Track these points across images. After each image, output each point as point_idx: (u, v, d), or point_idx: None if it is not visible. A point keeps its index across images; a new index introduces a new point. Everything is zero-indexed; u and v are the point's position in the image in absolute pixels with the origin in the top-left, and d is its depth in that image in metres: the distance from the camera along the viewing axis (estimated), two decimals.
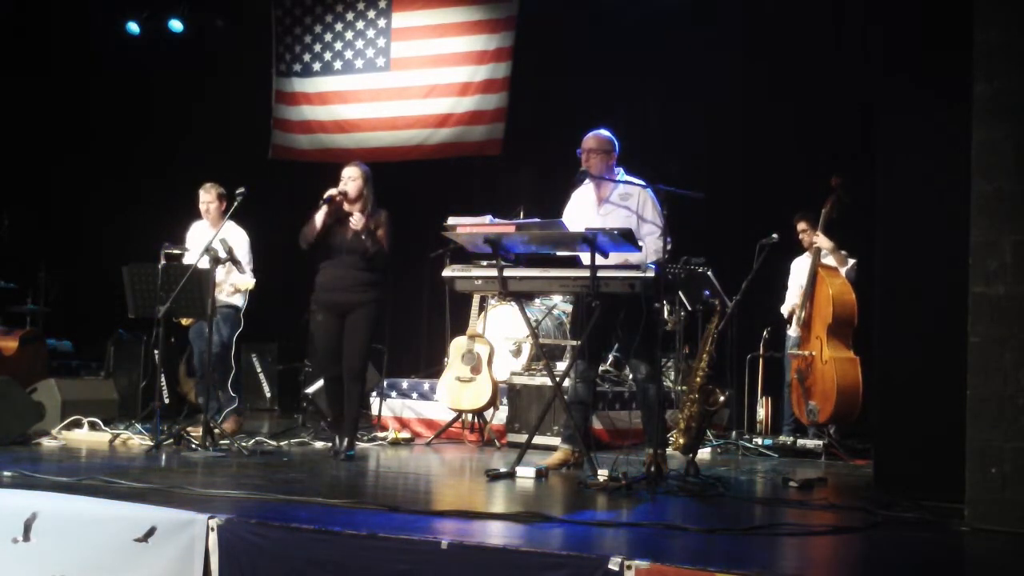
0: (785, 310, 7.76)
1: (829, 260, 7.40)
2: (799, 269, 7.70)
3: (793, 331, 7.67)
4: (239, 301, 7.16)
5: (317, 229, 6.28)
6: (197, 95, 10.56)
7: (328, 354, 6.39)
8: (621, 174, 5.92)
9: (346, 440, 6.33)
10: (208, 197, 7.31)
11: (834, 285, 7.16)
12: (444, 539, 3.58)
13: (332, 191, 6.30)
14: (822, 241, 7.27)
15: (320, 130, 10.45)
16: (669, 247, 5.69)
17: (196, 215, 7.44)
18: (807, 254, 7.64)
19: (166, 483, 4.75)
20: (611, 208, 5.84)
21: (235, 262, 6.76)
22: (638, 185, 5.84)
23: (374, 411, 7.84)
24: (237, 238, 7.05)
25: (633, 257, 5.54)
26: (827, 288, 7.15)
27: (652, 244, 5.68)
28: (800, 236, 7.60)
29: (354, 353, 6.29)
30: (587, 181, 5.92)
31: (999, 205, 4.22)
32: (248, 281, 6.93)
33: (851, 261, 7.38)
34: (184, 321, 7.11)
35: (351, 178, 6.35)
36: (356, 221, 6.18)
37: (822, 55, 8.43)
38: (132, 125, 10.66)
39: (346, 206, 6.33)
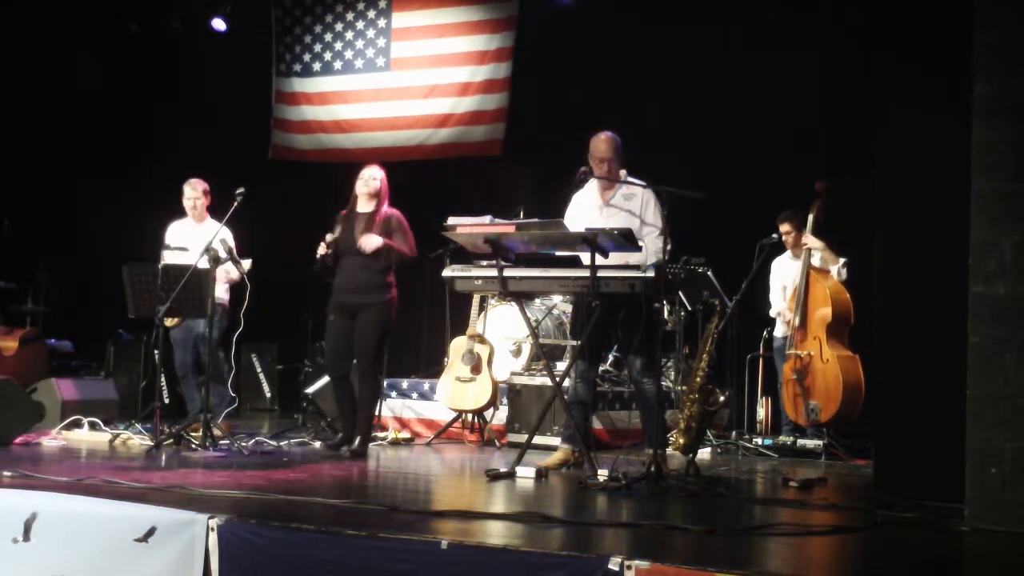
0: (774, 313, 7.75)
1: (815, 260, 7.38)
2: (780, 269, 7.71)
3: (779, 331, 7.67)
4: (223, 294, 7.07)
5: (321, 261, 6.48)
6: (197, 95, 10.56)
7: (336, 353, 6.57)
8: (623, 175, 5.90)
9: (358, 439, 6.41)
10: (195, 193, 7.30)
11: (829, 284, 7.17)
12: (444, 539, 3.58)
13: (322, 249, 6.45)
14: (812, 241, 7.27)
15: (320, 130, 10.45)
16: (669, 248, 5.70)
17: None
18: (788, 254, 7.67)
19: (166, 483, 4.75)
20: (614, 211, 5.82)
21: (235, 261, 6.75)
22: (640, 186, 5.82)
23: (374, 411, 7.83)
24: (227, 236, 6.99)
25: (633, 258, 5.53)
26: (823, 288, 7.15)
27: (652, 245, 5.67)
28: (784, 238, 7.60)
29: (363, 353, 6.42)
30: (590, 183, 5.92)
31: (999, 205, 4.22)
32: (235, 273, 6.90)
33: (841, 260, 7.37)
34: (168, 322, 6.94)
35: (373, 178, 6.47)
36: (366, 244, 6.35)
37: (822, 55, 8.42)
38: (132, 125, 10.66)
39: (359, 207, 6.48)
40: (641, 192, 5.80)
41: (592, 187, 5.96)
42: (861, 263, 7.15)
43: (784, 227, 7.57)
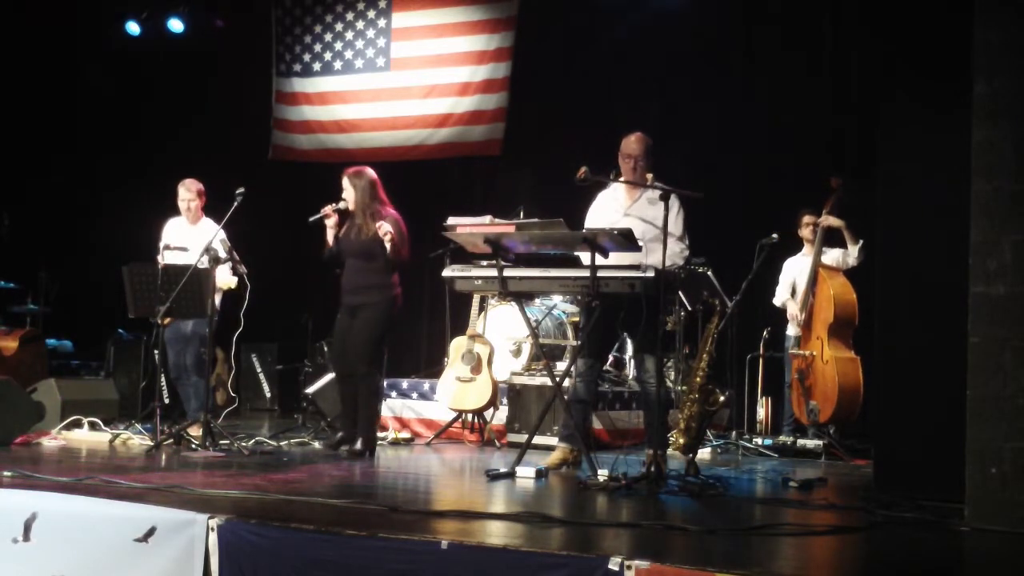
0: (778, 301, 7.76)
1: (827, 259, 7.40)
2: (792, 268, 7.72)
3: (792, 330, 7.69)
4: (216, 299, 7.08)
5: (328, 245, 6.52)
6: (197, 95, 10.56)
7: (336, 351, 6.68)
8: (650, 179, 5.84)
9: (360, 440, 6.41)
10: (189, 195, 7.29)
11: (835, 285, 7.18)
12: (444, 539, 3.58)
13: (327, 208, 6.43)
14: (833, 220, 7.29)
15: (320, 130, 10.45)
16: (686, 254, 5.69)
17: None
18: (802, 254, 7.67)
19: (166, 483, 4.74)
20: (633, 220, 5.72)
21: (235, 262, 6.76)
22: (664, 189, 5.71)
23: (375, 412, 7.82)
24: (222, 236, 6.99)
25: (642, 259, 5.50)
26: (828, 288, 7.16)
27: (672, 247, 5.56)
28: (802, 229, 7.59)
29: (355, 353, 6.42)
30: (615, 184, 5.89)
31: (999, 205, 4.22)
32: (231, 280, 6.91)
33: (860, 241, 7.38)
34: (164, 321, 6.84)
35: (344, 189, 6.45)
36: (384, 232, 6.30)
37: (822, 55, 8.43)
38: (132, 125, 10.66)
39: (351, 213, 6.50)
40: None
41: (619, 188, 5.92)
42: (867, 262, 7.15)
43: (807, 219, 7.57)
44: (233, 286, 6.94)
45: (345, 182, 6.52)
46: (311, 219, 6.53)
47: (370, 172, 6.54)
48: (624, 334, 6.13)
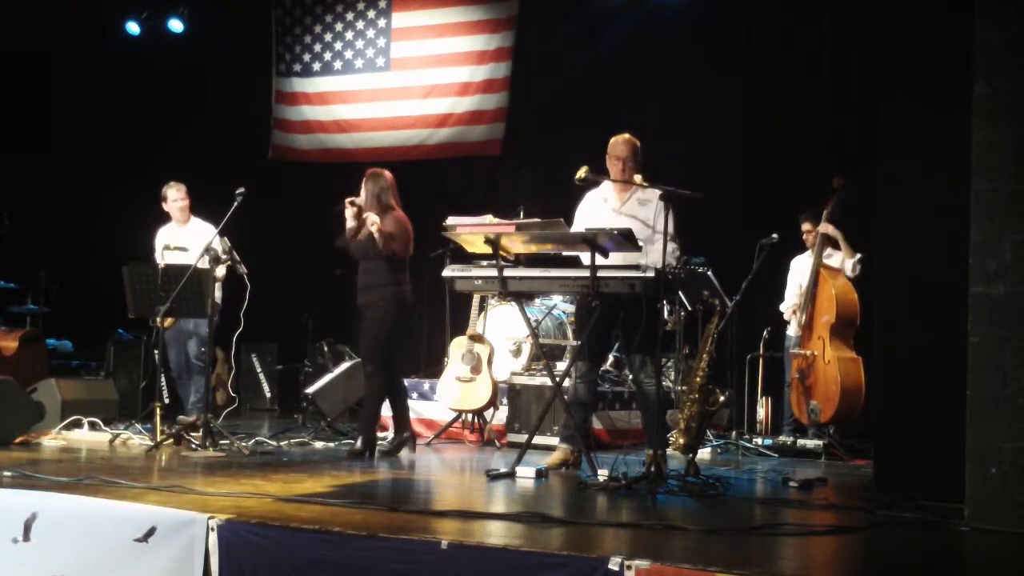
0: (784, 308, 7.77)
1: (831, 260, 7.42)
2: (799, 267, 7.73)
3: (792, 330, 7.69)
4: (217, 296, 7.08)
5: (346, 236, 6.48)
6: (197, 95, 10.56)
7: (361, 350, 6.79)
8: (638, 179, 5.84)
9: (359, 440, 6.44)
10: (179, 195, 7.34)
11: (836, 285, 7.17)
12: (444, 539, 3.58)
13: (345, 201, 6.47)
14: (831, 231, 7.29)
15: (320, 130, 10.46)
16: (677, 253, 5.69)
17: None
18: (808, 253, 7.66)
19: (166, 483, 4.74)
20: (626, 219, 5.72)
21: (236, 261, 6.76)
22: (655, 189, 5.72)
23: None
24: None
25: (640, 259, 5.50)
26: (830, 288, 7.16)
27: (666, 247, 5.56)
28: (804, 236, 7.62)
29: (362, 354, 6.42)
30: (605, 184, 5.88)
31: (999, 205, 4.22)
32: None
33: (858, 255, 7.38)
34: (167, 323, 6.87)
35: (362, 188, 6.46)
36: (371, 223, 6.30)
37: (822, 55, 8.43)
38: (132, 125, 10.66)
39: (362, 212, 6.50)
40: (656, 198, 5.72)
41: (608, 188, 5.92)
42: (870, 262, 7.16)
43: (806, 226, 7.60)
44: (245, 271, 6.93)
45: (363, 183, 6.50)
46: (336, 208, 6.51)
47: (384, 176, 6.48)
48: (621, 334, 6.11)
